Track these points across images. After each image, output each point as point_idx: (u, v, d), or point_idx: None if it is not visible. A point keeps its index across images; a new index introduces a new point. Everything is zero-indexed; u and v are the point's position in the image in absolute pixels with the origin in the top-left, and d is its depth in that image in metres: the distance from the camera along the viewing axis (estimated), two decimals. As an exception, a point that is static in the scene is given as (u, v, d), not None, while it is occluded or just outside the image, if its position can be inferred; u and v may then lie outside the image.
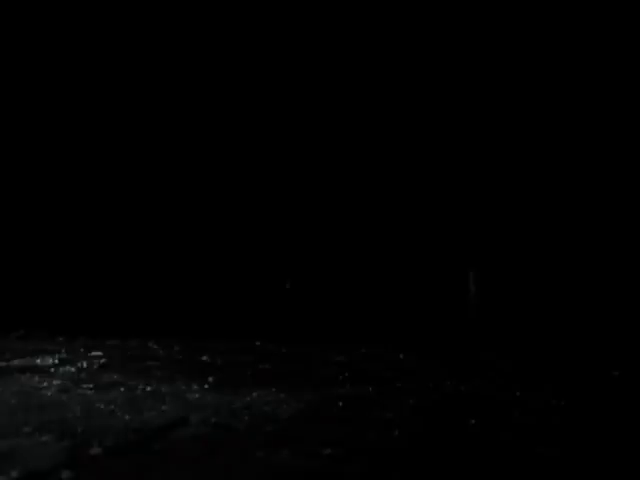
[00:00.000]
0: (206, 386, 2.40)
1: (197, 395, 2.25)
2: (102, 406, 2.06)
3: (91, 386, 2.36)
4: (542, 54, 4.05)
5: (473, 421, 1.95)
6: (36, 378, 2.50)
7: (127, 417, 1.93)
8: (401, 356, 3.29)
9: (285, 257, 4.54)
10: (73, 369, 2.71)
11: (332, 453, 1.63)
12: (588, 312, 3.87)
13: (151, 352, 3.30)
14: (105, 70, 4.56)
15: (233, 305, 4.46)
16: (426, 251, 4.32)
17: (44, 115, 4.63)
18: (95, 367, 2.77)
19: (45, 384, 2.39)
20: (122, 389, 2.32)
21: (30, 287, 4.53)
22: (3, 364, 2.78)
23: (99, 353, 3.14)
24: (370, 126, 4.41)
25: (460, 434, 1.84)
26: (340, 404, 2.17)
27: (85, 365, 2.81)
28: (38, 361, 2.86)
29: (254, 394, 2.27)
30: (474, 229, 4.22)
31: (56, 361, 2.87)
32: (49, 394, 2.23)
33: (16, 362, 2.83)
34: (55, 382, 2.43)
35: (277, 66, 4.45)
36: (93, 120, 4.65)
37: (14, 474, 1.42)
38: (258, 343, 3.58)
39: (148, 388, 2.34)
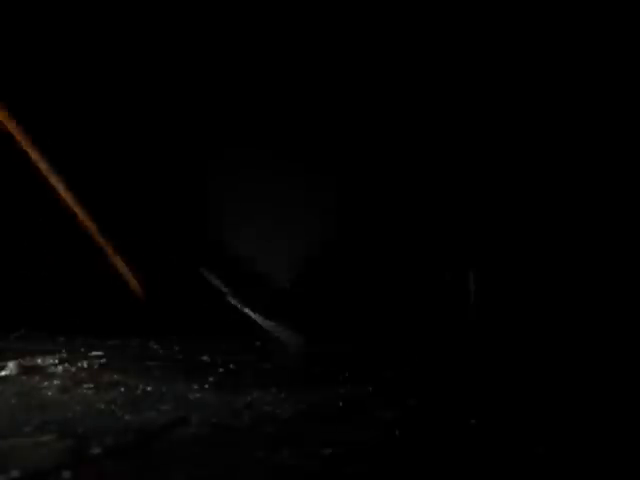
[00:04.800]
0: (206, 386, 2.40)
1: (197, 395, 2.25)
2: (102, 406, 2.06)
3: (91, 386, 2.36)
4: (542, 54, 4.05)
5: (473, 421, 1.95)
6: (36, 378, 2.50)
7: (127, 417, 1.93)
8: (401, 356, 3.29)
9: (285, 257, 4.54)
10: (73, 369, 2.71)
11: (332, 453, 1.63)
12: (588, 312, 3.87)
13: (151, 352, 3.30)
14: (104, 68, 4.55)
15: (233, 305, 4.46)
16: (426, 251, 4.32)
17: (43, 114, 4.62)
18: (95, 367, 2.77)
19: (45, 384, 2.39)
20: (122, 389, 2.32)
21: (30, 287, 4.53)
22: (3, 364, 2.78)
23: (99, 353, 3.14)
24: (370, 126, 4.40)
25: (460, 434, 1.84)
26: (340, 404, 2.17)
27: (85, 365, 2.80)
28: (38, 361, 2.86)
29: (254, 394, 2.27)
30: (474, 229, 4.22)
31: (56, 361, 2.87)
32: (49, 394, 2.23)
33: (16, 362, 2.83)
34: (55, 382, 2.43)
35: (276, 65, 4.44)
36: (92, 118, 4.64)
37: (14, 474, 1.42)
38: (258, 343, 3.58)
39: (148, 388, 2.35)
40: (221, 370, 2.76)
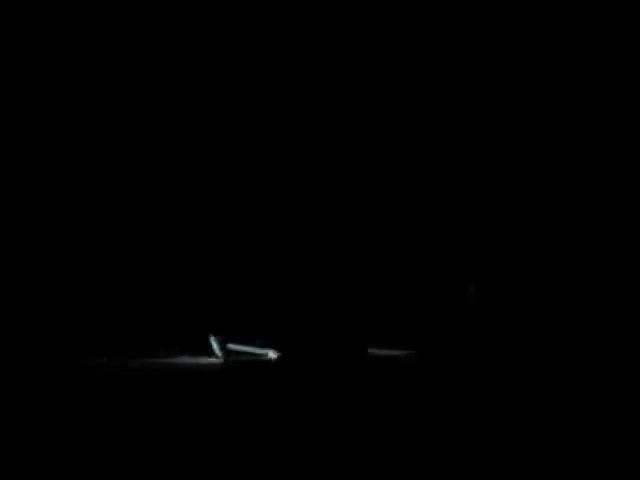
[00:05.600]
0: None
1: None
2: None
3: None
4: (542, 53, 4.05)
5: (473, 421, 1.96)
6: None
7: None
8: (401, 356, 3.29)
9: (286, 258, 4.54)
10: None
11: (332, 453, 1.64)
12: (589, 312, 3.87)
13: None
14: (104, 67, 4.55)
15: (234, 305, 4.46)
16: (426, 251, 4.32)
17: (42, 116, 4.63)
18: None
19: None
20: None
21: (30, 287, 4.52)
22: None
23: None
24: (369, 128, 4.40)
25: (460, 434, 1.84)
26: (340, 404, 2.17)
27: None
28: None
29: (254, 394, 2.27)
30: (474, 231, 4.22)
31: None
32: (50, 394, 2.23)
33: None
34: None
35: (274, 64, 4.44)
36: (90, 119, 4.64)
37: None
38: (258, 343, 3.58)
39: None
40: (221, 370, 2.76)
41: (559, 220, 4.06)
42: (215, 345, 3.22)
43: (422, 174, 4.31)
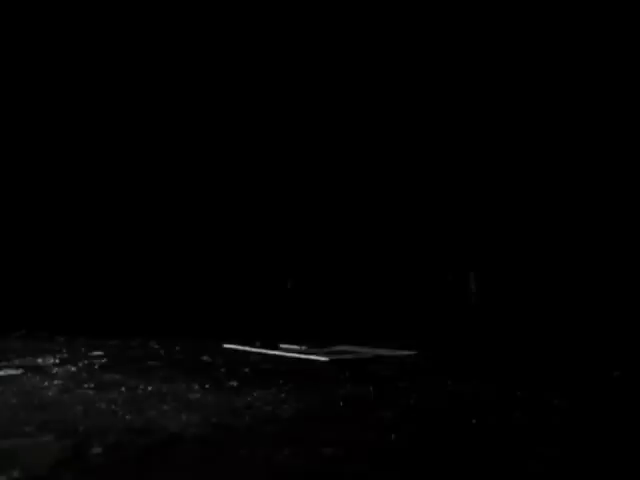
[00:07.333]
0: (207, 386, 2.40)
1: (198, 395, 2.25)
2: (103, 406, 2.06)
3: (92, 386, 2.37)
4: (542, 53, 4.05)
5: (473, 421, 1.96)
6: (37, 378, 2.50)
7: (128, 417, 1.93)
8: (401, 356, 3.29)
9: (286, 257, 4.54)
10: (74, 369, 2.71)
11: (332, 453, 1.64)
12: (589, 311, 3.87)
13: (152, 352, 3.30)
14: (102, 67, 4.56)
15: (234, 305, 4.47)
16: (426, 250, 4.32)
17: (43, 115, 4.63)
18: (96, 367, 2.78)
19: (46, 384, 2.39)
20: (123, 389, 2.32)
21: (31, 286, 4.53)
22: (4, 364, 2.78)
23: (100, 353, 3.14)
24: (369, 125, 4.41)
25: (460, 434, 1.84)
26: (340, 404, 2.17)
27: (86, 365, 2.81)
28: (39, 361, 2.86)
29: (255, 394, 2.27)
30: (474, 228, 4.22)
31: (57, 361, 2.87)
32: (50, 394, 2.23)
33: (17, 362, 2.84)
34: (56, 382, 2.43)
35: (274, 64, 4.45)
36: (92, 119, 4.65)
37: (15, 474, 1.42)
38: (258, 344, 3.58)
39: (149, 388, 2.35)
40: (221, 370, 2.76)
41: (558, 221, 4.06)
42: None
43: (420, 176, 4.31)
